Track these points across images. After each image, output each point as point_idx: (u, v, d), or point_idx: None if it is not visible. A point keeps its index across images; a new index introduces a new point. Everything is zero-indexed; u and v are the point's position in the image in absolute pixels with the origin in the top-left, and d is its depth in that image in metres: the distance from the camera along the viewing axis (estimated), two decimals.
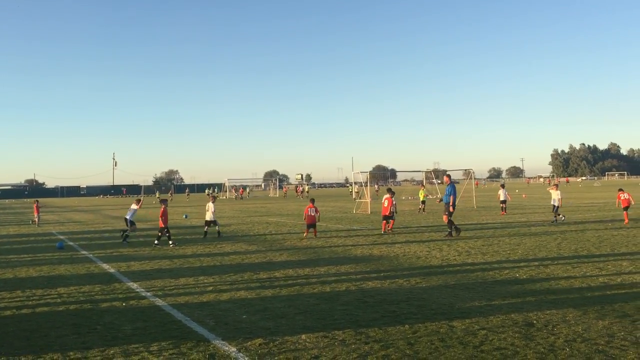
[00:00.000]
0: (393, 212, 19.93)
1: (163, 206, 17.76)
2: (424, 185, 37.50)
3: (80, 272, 12.78)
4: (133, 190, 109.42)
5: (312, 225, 18.95)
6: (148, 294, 9.93)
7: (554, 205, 22.98)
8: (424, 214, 29.75)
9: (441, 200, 19.37)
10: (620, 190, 23.49)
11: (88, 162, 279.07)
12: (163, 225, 17.45)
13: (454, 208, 17.89)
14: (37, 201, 32.18)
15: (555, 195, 23.14)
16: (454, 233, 17.75)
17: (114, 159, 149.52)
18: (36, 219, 30.10)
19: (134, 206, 18.89)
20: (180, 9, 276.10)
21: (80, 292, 10.28)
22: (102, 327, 7.69)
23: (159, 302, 9.22)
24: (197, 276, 11.70)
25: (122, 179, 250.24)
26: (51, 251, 17.10)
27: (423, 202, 32.18)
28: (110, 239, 20.64)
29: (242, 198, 72.94)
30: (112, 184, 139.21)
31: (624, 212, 22.14)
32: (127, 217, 18.88)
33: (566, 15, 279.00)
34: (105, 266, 13.57)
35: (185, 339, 6.96)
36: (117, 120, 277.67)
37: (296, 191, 77.83)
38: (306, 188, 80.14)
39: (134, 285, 10.79)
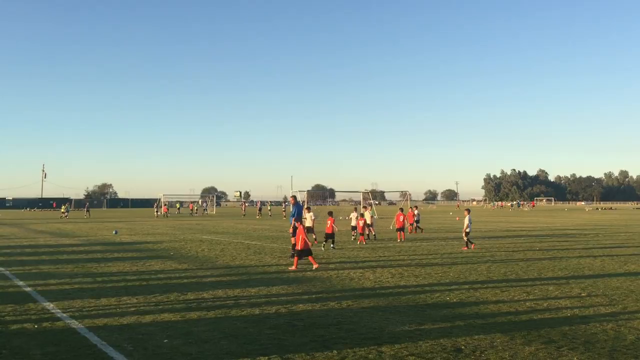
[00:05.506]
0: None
1: (330, 218, 20.95)
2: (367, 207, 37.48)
3: None
4: (61, 204, 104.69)
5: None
6: (64, 315, 9.31)
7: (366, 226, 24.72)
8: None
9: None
10: (400, 210, 26.44)
11: (15, 173, 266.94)
12: (330, 232, 20.76)
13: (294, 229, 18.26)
14: None
15: (367, 216, 25.07)
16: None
17: (43, 170, 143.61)
18: None
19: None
20: (125, 17, 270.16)
21: None
22: (8, 351, 7.10)
23: (75, 324, 8.64)
24: (120, 296, 11.12)
25: (51, 192, 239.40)
26: None
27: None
28: (32, 255, 19.52)
29: (191, 214, 73.12)
30: (40, 197, 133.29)
31: (397, 232, 25.34)
32: None
33: (500, 44, 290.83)
34: (22, 284, 12.73)
35: None
36: (47, 131, 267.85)
37: (242, 208, 74.95)
38: (268, 207, 75.81)
39: (49, 306, 10.11)
